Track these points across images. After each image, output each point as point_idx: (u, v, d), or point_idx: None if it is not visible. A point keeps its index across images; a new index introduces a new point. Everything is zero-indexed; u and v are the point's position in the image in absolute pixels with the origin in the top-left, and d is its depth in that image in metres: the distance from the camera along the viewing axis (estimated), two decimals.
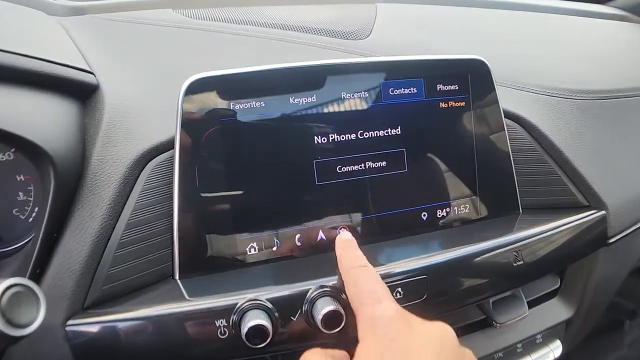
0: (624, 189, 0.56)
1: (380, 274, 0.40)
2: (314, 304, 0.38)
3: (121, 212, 0.39)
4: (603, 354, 0.79)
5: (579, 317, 0.58)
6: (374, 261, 0.42)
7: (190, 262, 0.41)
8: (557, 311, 0.57)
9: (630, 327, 0.82)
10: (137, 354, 0.37)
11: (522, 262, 0.45)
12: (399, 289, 0.40)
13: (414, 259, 0.42)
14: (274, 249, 0.43)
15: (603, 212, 0.53)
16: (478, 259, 0.44)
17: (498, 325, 0.50)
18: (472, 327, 0.52)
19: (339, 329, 0.37)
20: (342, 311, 0.37)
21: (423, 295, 0.41)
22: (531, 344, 0.55)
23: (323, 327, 0.37)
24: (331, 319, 0.37)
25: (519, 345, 0.54)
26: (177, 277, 0.41)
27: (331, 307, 0.37)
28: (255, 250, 0.42)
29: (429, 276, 0.41)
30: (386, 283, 0.40)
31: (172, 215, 0.41)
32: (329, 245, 0.44)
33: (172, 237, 0.41)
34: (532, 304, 0.54)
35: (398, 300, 0.40)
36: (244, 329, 0.35)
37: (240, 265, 0.42)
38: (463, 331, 0.51)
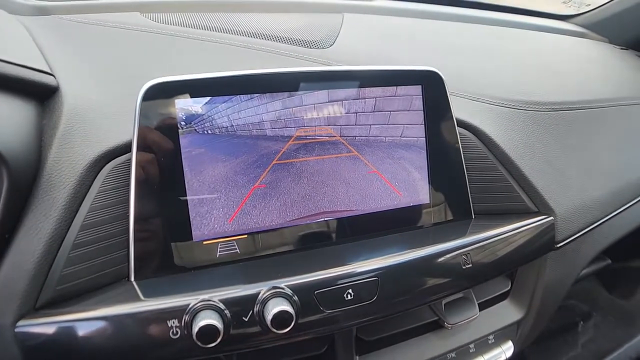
0: (572, 196, 0.59)
1: (332, 276, 0.42)
2: (265, 304, 0.39)
3: (76, 213, 0.40)
4: (558, 354, 0.82)
5: (529, 318, 0.60)
6: (327, 263, 0.43)
7: (146, 263, 0.41)
8: (508, 312, 0.59)
9: (583, 328, 0.85)
10: (89, 355, 0.37)
11: (470, 265, 0.48)
12: (350, 291, 0.42)
13: (365, 261, 0.43)
14: (232, 251, 0.44)
15: (551, 217, 0.56)
16: (428, 262, 0.46)
17: (449, 326, 0.52)
18: (424, 328, 0.53)
19: (288, 329, 0.38)
20: (292, 311, 0.38)
21: (373, 297, 0.43)
22: (483, 345, 0.57)
23: (272, 327, 0.38)
24: (280, 319, 0.38)
25: (472, 346, 0.56)
26: (132, 278, 0.41)
27: (280, 308, 0.38)
28: (212, 253, 0.43)
29: (380, 278, 0.43)
30: (338, 285, 0.42)
31: (128, 217, 0.41)
32: (288, 247, 0.46)
33: (127, 239, 0.41)
34: (483, 306, 0.56)
35: (349, 302, 0.42)
36: (195, 329, 0.36)
37: (196, 267, 0.43)
38: (415, 332, 0.53)
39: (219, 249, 0.43)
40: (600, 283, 0.96)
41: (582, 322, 0.85)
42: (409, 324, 0.52)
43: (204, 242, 0.43)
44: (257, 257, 0.45)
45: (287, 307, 0.38)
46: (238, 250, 0.44)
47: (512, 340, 0.60)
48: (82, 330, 0.37)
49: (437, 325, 0.53)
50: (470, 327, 0.55)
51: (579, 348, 0.83)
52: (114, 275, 0.41)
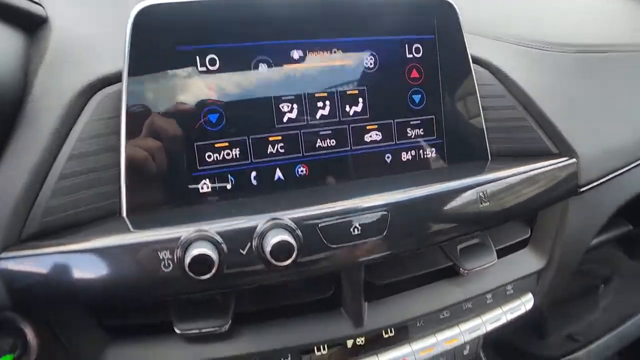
0: (597, 138, 0.55)
1: (338, 210, 0.39)
2: (264, 236, 0.36)
3: (64, 142, 0.37)
4: (578, 317, 0.79)
5: (550, 269, 0.56)
6: (333, 197, 0.40)
7: (138, 197, 0.39)
8: (527, 262, 0.56)
9: (604, 291, 0.81)
10: (75, 289, 0.35)
11: (487, 203, 0.44)
12: (357, 225, 0.39)
13: (375, 195, 0.40)
14: (228, 186, 0.41)
15: (574, 159, 0.52)
16: (442, 197, 0.42)
17: (465, 271, 0.48)
18: (439, 275, 0.50)
19: (289, 261, 0.35)
20: (292, 242, 0.35)
21: (383, 232, 0.40)
22: (501, 295, 0.54)
23: (272, 258, 0.35)
24: (280, 249, 0.35)
25: (489, 296, 0.53)
26: (124, 214, 0.39)
27: (280, 237, 0.35)
28: (207, 187, 0.41)
29: (390, 212, 0.40)
30: (344, 218, 0.39)
31: (120, 148, 0.38)
32: (286, 184, 0.43)
33: (119, 172, 0.39)
34: (501, 254, 0.53)
35: (356, 237, 0.39)
36: (187, 259, 0.33)
37: (191, 202, 0.40)
38: (428, 278, 0.50)
39: (217, 183, 0.41)
40: (622, 249, 0.92)
41: (602, 285, 0.81)
42: (421, 269, 0.49)
43: (200, 177, 0.40)
44: (258, 192, 0.42)
45: (288, 238, 0.35)
46: (238, 183, 0.41)
47: (532, 292, 0.56)
48: (68, 263, 0.34)
49: (452, 272, 0.50)
50: (487, 275, 0.52)
51: (600, 311, 0.80)
52: (104, 209, 0.39)
